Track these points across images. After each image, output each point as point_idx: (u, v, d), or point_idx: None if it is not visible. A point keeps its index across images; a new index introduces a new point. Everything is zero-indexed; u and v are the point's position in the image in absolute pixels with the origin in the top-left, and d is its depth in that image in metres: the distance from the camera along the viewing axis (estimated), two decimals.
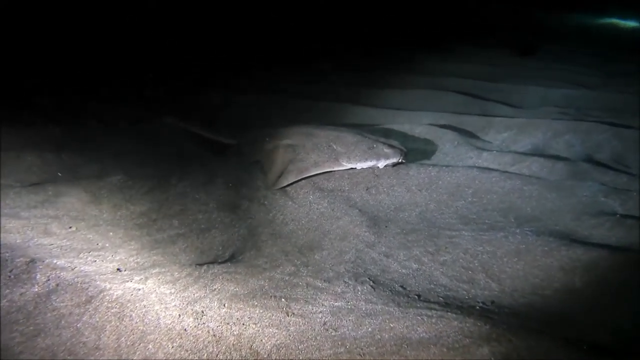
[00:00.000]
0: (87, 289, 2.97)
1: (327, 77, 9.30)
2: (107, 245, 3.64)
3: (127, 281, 3.11)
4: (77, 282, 3.02)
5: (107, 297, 2.93)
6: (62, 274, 3.09)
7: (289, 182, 4.59)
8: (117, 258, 3.47)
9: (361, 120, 6.89)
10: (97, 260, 3.37)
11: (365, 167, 4.80)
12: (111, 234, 3.81)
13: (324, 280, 3.38)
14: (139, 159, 5.00)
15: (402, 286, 3.34)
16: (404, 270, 3.52)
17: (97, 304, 2.89)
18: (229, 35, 12.86)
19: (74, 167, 4.78)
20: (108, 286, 3.02)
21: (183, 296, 3.03)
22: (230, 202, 4.43)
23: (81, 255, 3.41)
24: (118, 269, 3.30)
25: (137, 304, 2.91)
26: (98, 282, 3.03)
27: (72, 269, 3.16)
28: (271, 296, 3.12)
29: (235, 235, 4.04)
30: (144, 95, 7.66)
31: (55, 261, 3.22)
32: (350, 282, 3.33)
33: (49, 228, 3.75)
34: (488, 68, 10.14)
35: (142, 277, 3.20)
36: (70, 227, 3.79)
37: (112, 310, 2.86)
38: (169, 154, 5.26)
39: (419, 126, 6.18)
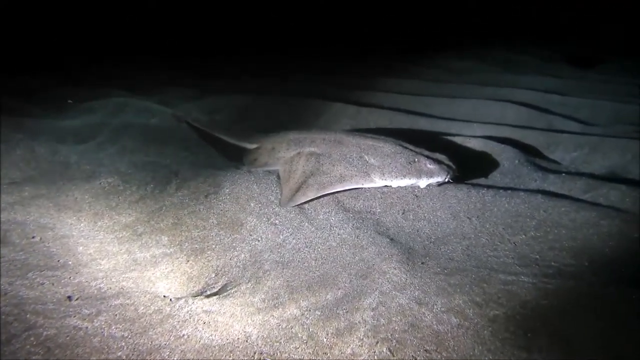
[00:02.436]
0: (12, 323, 2.26)
1: (369, 81, 8.49)
2: (69, 262, 2.95)
3: (71, 315, 2.39)
4: (5, 312, 2.32)
5: (33, 337, 2.21)
6: None
7: (308, 199, 3.78)
8: (75, 281, 2.77)
9: (407, 130, 6.04)
10: (47, 283, 2.67)
11: (402, 185, 3.93)
12: (81, 248, 3.12)
13: (332, 334, 2.55)
14: (138, 160, 4.33)
15: (436, 350, 2.46)
16: (440, 327, 2.63)
17: (18, 345, 2.17)
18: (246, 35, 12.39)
19: (65, 165, 4.16)
20: (40, 321, 2.30)
21: (135, 344, 2.26)
22: (235, 219, 3.66)
23: (30, 274, 2.72)
24: (68, 297, 2.59)
25: (69, 351, 2.17)
26: (29, 315, 2.32)
27: (6, 293, 2.46)
28: (254, 352, 2.31)
29: (234, 261, 3.27)
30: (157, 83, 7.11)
31: None
32: (365, 340, 2.48)
33: (8, 236, 3.11)
34: (550, 79, 9.02)
35: (94, 310, 2.47)
36: (33, 237, 3.14)
37: (33, 358, 2.12)
38: (173, 156, 4.58)
39: (473, 139, 5.24)
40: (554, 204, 3.82)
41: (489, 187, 4.11)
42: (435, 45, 12.98)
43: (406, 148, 4.02)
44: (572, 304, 2.79)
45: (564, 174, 4.54)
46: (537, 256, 3.32)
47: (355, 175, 3.85)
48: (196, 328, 2.46)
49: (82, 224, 3.41)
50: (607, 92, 8.38)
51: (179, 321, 2.50)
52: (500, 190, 3.98)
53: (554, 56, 11.73)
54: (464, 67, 10.36)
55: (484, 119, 6.43)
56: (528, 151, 5.22)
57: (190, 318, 2.54)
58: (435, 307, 2.79)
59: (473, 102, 7.13)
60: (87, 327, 2.32)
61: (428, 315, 2.72)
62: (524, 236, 3.51)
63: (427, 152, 4.03)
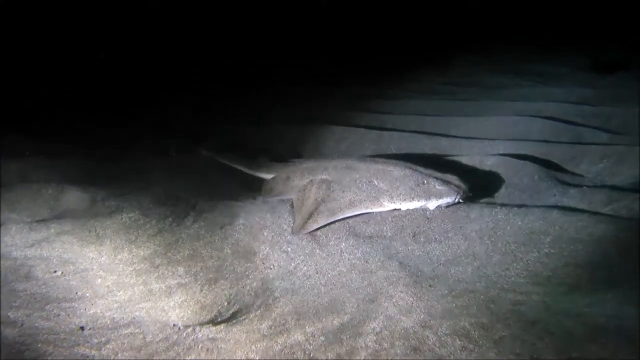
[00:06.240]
0: (24, 352, 2.40)
1: (397, 104, 8.50)
2: (87, 294, 3.11)
3: (80, 344, 2.52)
4: (18, 342, 2.47)
5: None
6: (6, 330, 2.57)
7: (319, 226, 3.83)
8: (90, 312, 2.91)
9: (427, 152, 6.02)
10: (62, 314, 2.82)
11: (412, 207, 3.93)
12: (99, 281, 3.28)
13: (333, 359, 2.56)
14: (161, 195, 4.50)
15: None
16: (442, 350, 2.60)
17: None
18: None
19: (92, 202, 4.38)
20: (50, 350, 2.44)
21: None
22: (248, 248, 3.76)
23: (48, 306, 2.88)
24: (81, 327, 2.72)
25: None
26: (40, 345, 2.46)
27: (22, 325, 2.63)
28: None
29: (247, 289, 3.35)
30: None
31: (9, 313, 2.71)
32: None
33: (32, 271, 3.30)
34: (583, 90, 8.71)
35: (103, 339, 2.60)
36: (55, 272, 3.32)
37: None
38: (194, 189, 4.74)
39: (492, 157, 5.18)
40: (570, 219, 3.71)
41: (503, 205, 4.05)
42: (472, 63, 12.80)
43: (415, 170, 4.03)
44: (584, 325, 2.69)
45: (585, 187, 4.41)
46: (551, 274, 3.23)
47: (365, 200, 3.89)
48: (199, 355, 2.54)
49: (102, 258, 3.57)
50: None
51: (183, 348, 2.59)
52: (515, 208, 3.92)
53: (587, 63, 11.36)
54: (499, 82, 10.15)
55: (509, 136, 6.31)
56: (550, 166, 5.10)
57: (195, 345, 2.62)
58: (439, 329, 2.76)
59: (499, 119, 7.00)
60: (94, 355, 2.44)
61: (432, 338, 2.70)
62: (537, 253, 3.44)
63: (437, 174, 4.02)
